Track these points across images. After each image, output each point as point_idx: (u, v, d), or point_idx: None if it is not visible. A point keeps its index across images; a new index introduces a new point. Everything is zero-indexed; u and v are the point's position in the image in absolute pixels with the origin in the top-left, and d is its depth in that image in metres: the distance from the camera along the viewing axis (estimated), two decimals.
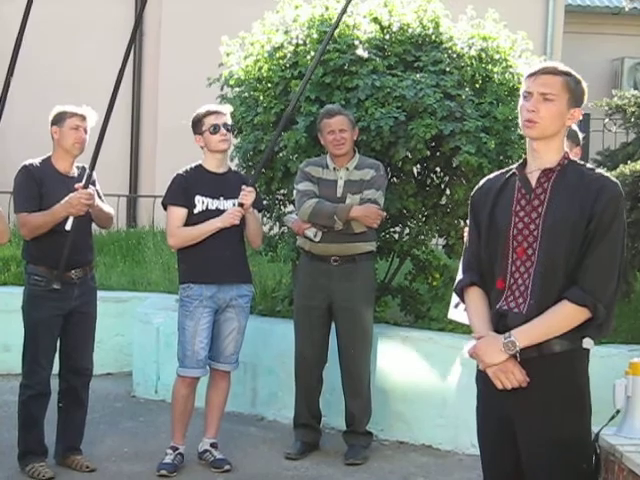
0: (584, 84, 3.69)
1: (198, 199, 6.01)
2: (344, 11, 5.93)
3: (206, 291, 6.01)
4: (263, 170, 7.15)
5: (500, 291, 3.66)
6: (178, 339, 6.11)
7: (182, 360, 6.08)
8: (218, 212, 6.01)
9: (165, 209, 6.15)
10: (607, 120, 9.75)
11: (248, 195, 5.98)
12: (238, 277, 6.12)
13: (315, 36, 6.85)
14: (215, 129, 6.01)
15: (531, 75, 3.69)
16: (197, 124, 6.07)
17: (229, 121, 6.13)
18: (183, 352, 6.06)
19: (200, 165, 6.14)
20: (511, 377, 3.55)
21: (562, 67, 3.68)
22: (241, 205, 5.98)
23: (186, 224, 6.03)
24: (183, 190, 6.04)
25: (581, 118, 3.81)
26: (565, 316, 3.52)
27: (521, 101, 3.69)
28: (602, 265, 3.53)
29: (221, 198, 6.04)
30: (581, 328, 3.55)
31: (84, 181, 5.68)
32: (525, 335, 3.53)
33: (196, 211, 6.02)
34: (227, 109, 6.21)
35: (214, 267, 5.99)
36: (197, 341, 6.01)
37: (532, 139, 3.67)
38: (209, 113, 6.04)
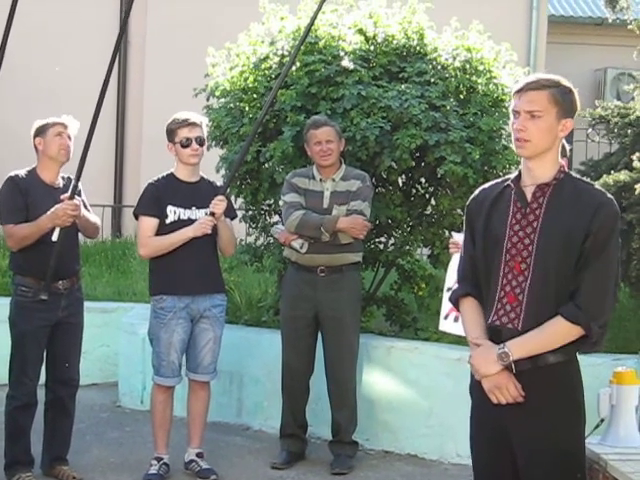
0: (575, 92, 3.63)
1: (170, 209, 6.00)
2: (319, 9, 5.91)
3: (179, 302, 6.00)
4: (249, 181, 7.18)
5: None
6: (153, 348, 6.12)
7: (158, 369, 6.09)
8: (190, 222, 5.98)
9: (137, 219, 6.14)
10: (590, 130, 9.80)
11: (219, 204, 5.95)
12: (211, 287, 6.10)
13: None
14: (187, 142, 5.99)
15: (517, 92, 3.62)
16: (170, 133, 6.04)
17: (204, 133, 6.11)
18: (158, 362, 6.07)
19: (172, 174, 6.12)
20: (505, 392, 3.56)
21: (548, 79, 3.60)
22: (212, 214, 5.97)
23: (159, 234, 6.01)
24: (155, 200, 6.02)
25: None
26: (559, 332, 3.51)
27: (512, 119, 3.66)
28: (598, 284, 3.52)
29: (193, 208, 6.02)
30: (576, 343, 3.55)
31: (70, 192, 5.68)
32: (519, 347, 3.52)
33: (168, 221, 6.00)
34: (202, 120, 6.16)
35: (186, 278, 5.97)
36: (172, 351, 6.02)
37: (526, 158, 3.63)
38: (184, 125, 6.00)
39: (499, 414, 3.62)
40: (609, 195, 3.61)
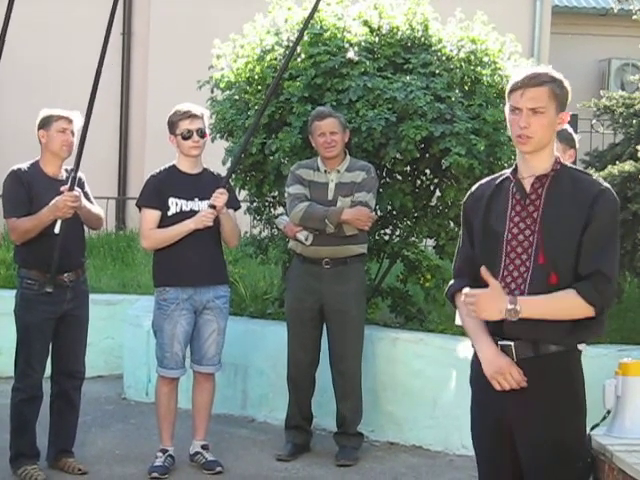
0: (567, 85, 3.67)
1: (172, 201, 6.00)
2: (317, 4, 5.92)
3: (182, 294, 6.00)
4: (253, 173, 7.17)
5: None
6: (156, 340, 6.13)
7: (161, 360, 6.10)
8: (192, 213, 5.98)
9: (140, 211, 6.15)
10: (595, 121, 9.77)
11: (220, 197, 5.94)
12: (214, 279, 6.11)
13: (306, 38, 6.86)
14: (188, 134, 5.98)
15: (517, 89, 3.62)
16: (172, 125, 6.04)
17: (205, 125, 6.09)
18: (162, 353, 6.08)
19: (174, 166, 6.12)
20: (509, 378, 3.57)
21: (545, 74, 3.64)
22: (213, 207, 5.97)
23: (162, 226, 6.02)
24: (157, 192, 6.03)
25: (569, 118, 3.80)
26: (571, 306, 3.52)
27: (509, 114, 3.66)
28: (612, 270, 3.55)
29: (196, 199, 6.02)
30: (576, 331, 3.57)
31: (69, 183, 5.67)
32: (529, 306, 3.50)
33: (170, 213, 6.00)
34: (203, 112, 6.15)
35: (189, 269, 5.97)
36: (175, 343, 6.03)
37: (527, 154, 3.65)
38: (185, 117, 5.99)
39: (500, 404, 3.64)
40: (606, 184, 3.65)
